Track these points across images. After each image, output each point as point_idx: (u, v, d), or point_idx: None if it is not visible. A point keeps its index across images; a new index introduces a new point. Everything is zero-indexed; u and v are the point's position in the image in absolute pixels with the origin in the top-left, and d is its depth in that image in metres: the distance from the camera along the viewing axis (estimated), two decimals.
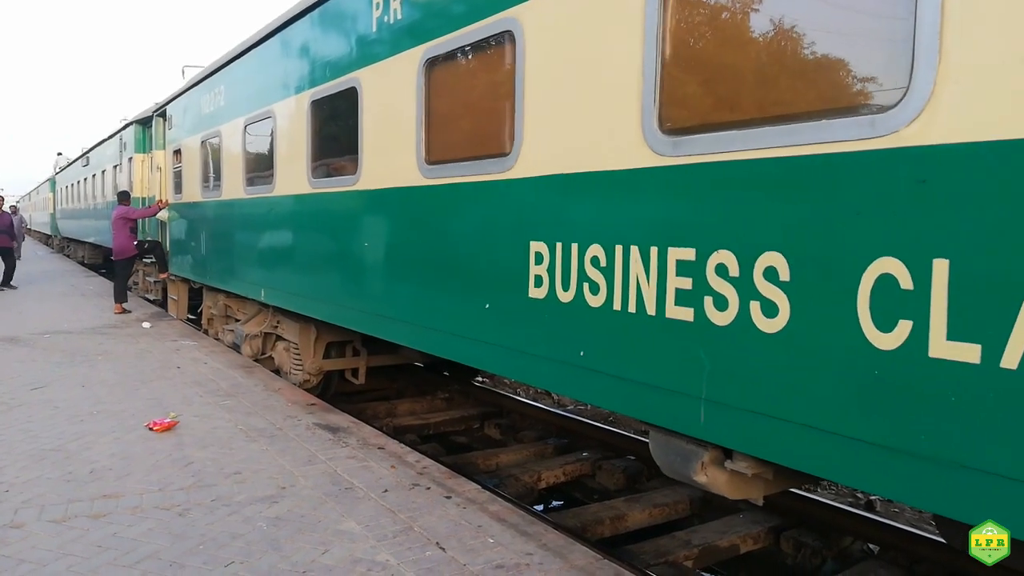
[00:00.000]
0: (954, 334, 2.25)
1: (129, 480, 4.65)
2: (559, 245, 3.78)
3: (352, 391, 8.80)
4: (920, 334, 2.33)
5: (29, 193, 50.11)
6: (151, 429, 5.70)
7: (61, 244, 34.36)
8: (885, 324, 2.42)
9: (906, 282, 2.36)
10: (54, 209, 35.06)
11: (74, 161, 27.93)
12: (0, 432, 5.62)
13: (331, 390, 8.03)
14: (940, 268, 2.27)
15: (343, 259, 6.20)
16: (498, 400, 8.22)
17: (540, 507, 5.91)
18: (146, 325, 11.31)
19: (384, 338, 5.73)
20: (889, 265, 2.40)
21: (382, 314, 5.59)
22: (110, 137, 19.08)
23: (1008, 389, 2.13)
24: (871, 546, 4.76)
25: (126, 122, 16.44)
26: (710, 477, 3.27)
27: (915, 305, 2.34)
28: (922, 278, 2.32)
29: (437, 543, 3.78)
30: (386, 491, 4.52)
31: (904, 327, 2.37)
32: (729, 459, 3.19)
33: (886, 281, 2.41)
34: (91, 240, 23.44)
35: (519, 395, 8.86)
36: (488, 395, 8.44)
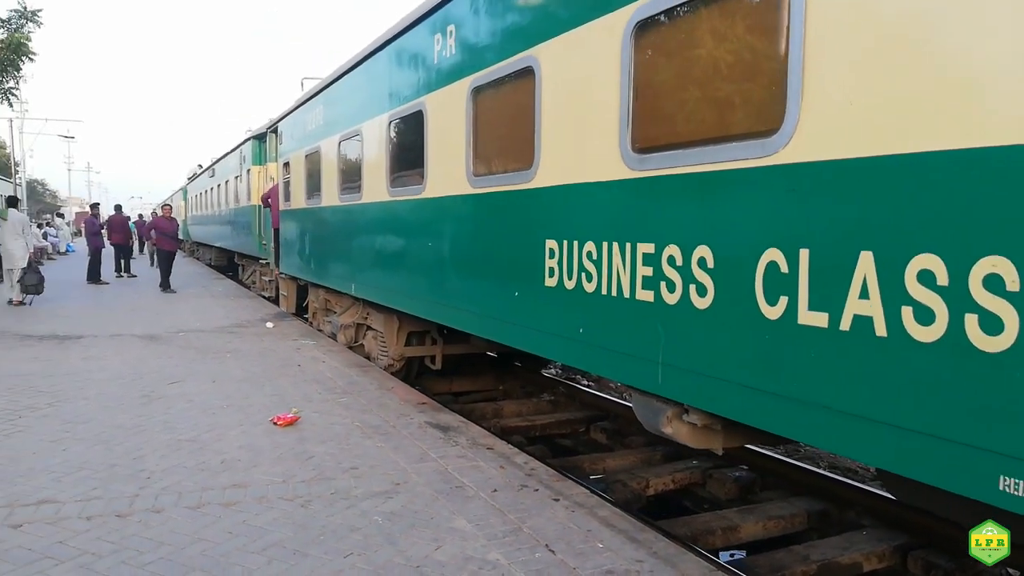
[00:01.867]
0: (812, 306, 2.96)
1: (256, 471, 4.93)
2: (565, 242, 4.62)
3: (459, 391, 9.03)
4: (792, 306, 3.05)
5: (163, 201, 54.21)
6: (275, 423, 6.03)
7: (191, 248, 36.85)
8: (771, 299, 3.15)
9: (784, 267, 3.09)
10: (185, 215, 37.66)
11: (202, 172, 29.94)
12: (143, 423, 6.09)
13: (413, 375, 8.90)
14: (804, 255, 3.00)
15: (414, 257, 7.17)
16: (603, 404, 8.17)
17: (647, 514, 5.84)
18: (269, 325, 11.97)
19: (447, 324, 6.67)
20: (774, 254, 3.13)
21: (446, 304, 6.49)
22: (232, 151, 20.52)
23: (844, 346, 2.83)
24: (1011, 571, 4.41)
25: (245, 137, 17.70)
26: (674, 429, 4.08)
27: (789, 284, 3.06)
28: (793, 263, 3.04)
29: (546, 545, 3.81)
30: (495, 491, 4.58)
31: (783, 301, 3.09)
32: (687, 413, 3.97)
33: (772, 266, 3.14)
34: (218, 244, 25.04)
35: (626, 399, 8.77)
36: (593, 399, 8.40)
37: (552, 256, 4.72)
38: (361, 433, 5.84)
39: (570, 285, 4.55)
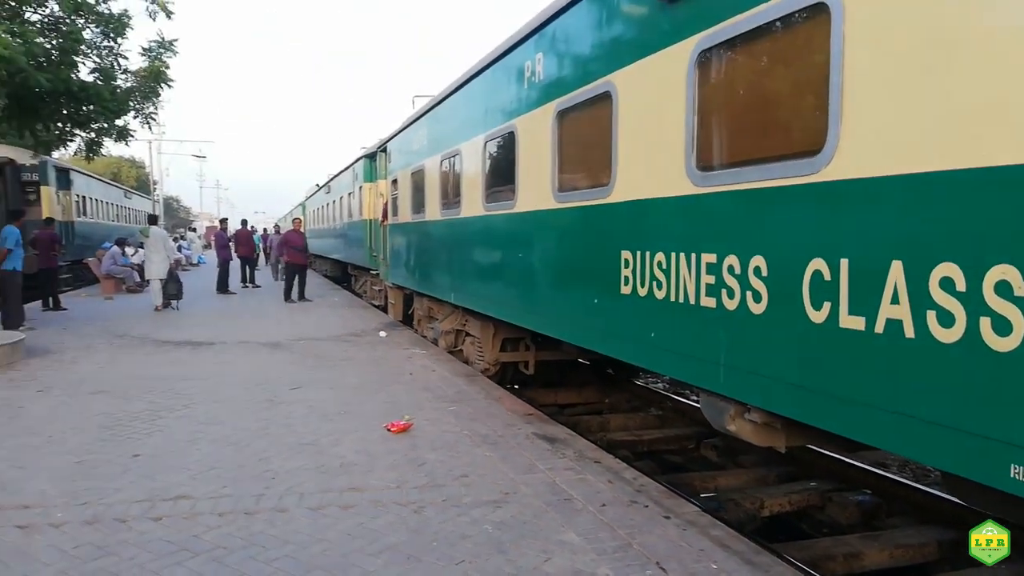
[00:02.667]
0: (852, 311, 3.23)
1: (371, 476, 5.11)
2: (638, 253, 4.99)
3: (564, 403, 9.03)
4: (835, 311, 3.32)
5: (285, 215, 57.34)
6: (389, 430, 6.23)
7: (309, 259, 38.67)
8: (817, 305, 3.43)
9: (827, 275, 3.36)
10: (304, 229, 39.57)
11: (319, 188, 31.47)
12: (267, 425, 6.45)
13: (507, 380, 9.22)
14: (844, 265, 3.28)
15: (506, 267, 7.76)
16: None
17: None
18: (382, 334, 12.39)
19: (535, 330, 7.19)
20: (818, 263, 3.42)
21: (534, 311, 7.03)
22: (345, 169, 21.66)
23: (878, 346, 3.09)
24: None
25: (358, 156, 18.77)
26: (738, 427, 4.36)
27: (832, 291, 3.33)
28: (835, 272, 3.32)
29: (657, 563, 3.74)
30: (604, 505, 4.55)
31: (827, 307, 3.37)
32: (748, 412, 4.22)
33: (817, 274, 3.42)
34: (333, 256, 26.16)
35: None
36: (702, 414, 8.18)
37: (627, 266, 5.12)
38: (470, 442, 5.94)
39: (643, 292, 4.93)
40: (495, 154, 8.05)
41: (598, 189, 5.56)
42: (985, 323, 2.65)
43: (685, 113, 4.41)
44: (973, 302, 2.70)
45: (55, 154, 19.19)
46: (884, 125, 3.11)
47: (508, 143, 7.50)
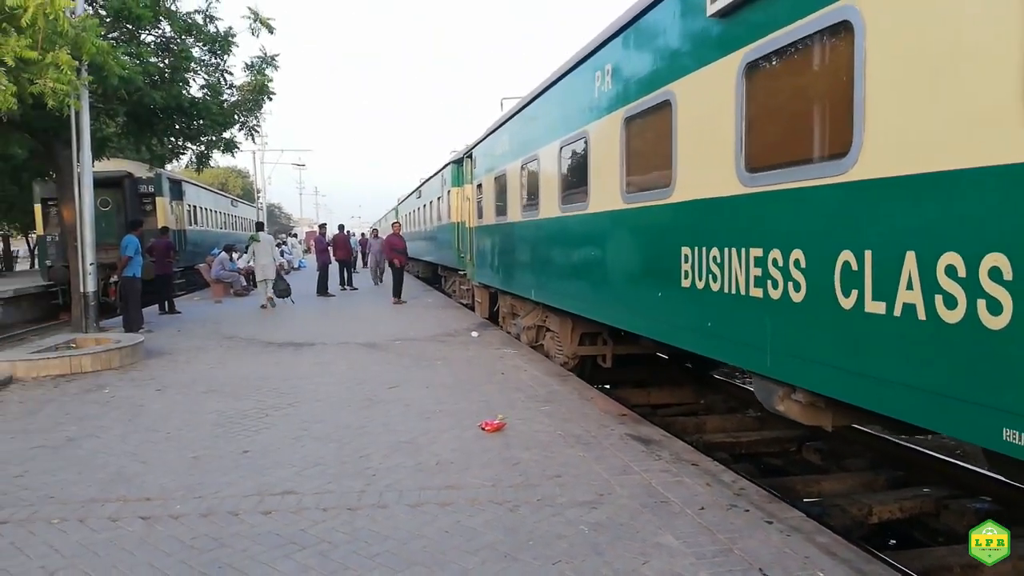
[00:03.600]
0: (875, 297, 3.59)
1: (467, 474, 5.19)
2: (696, 248, 5.40)
3: (657, 404, 8.91)
4: (861, 298, 3.68)
5: (380, 219, 59.11)
6: (483, 429, 6.31)
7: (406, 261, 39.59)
8: (846, 292, 3.79)
9: (855, 265, 3.72)
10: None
11: (411, 193, 32.25)
12: (366, 424, 6.65)
13: (587, 373, 9.41)
14: (868, 255, 3.64)
15: (580, 264, 8.27)
16: None
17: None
18: (474, 334, 12.56)
19: (607, 323, 7.63)
20: (847, 255, 3.78)
21: (606, 305, 7.45)
22: (435, 174, 22.36)
23: (896, 328, 3.45)
24: None
25: (446, 162, 19.48)
26: (786, 407, 4.74)
27: (858, 280, 3.70)
28: (860, 262, 3.68)
29: (760, 570, 3.63)
30: (702, 508, 4.46)
31: (854, 294, 3.73)
32: (794, 392, 4.60)
33: (847, 265, 3.78)
34: (424, 259, 26.72)
35: None
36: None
37: (686, 261, 5.54)
38: (564, 442, 5.94)
39: (700, 285, 5.34)
40: (570, 159, 8.53)
41: (660, 190, 5.99)
42: (982, 305, 3.00)
43: (735, 119, 4.81)
44: (972, 287, 3.05)
45: (168, 166, 20.40)
46: (896, 130, 3.46)
47: (581, 148, 7.99)
